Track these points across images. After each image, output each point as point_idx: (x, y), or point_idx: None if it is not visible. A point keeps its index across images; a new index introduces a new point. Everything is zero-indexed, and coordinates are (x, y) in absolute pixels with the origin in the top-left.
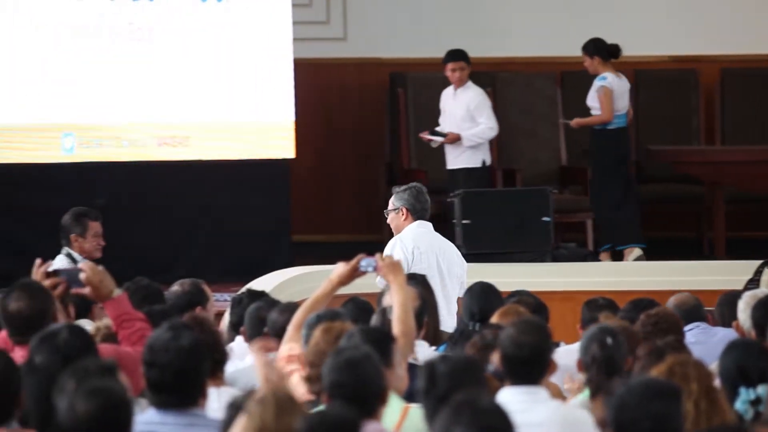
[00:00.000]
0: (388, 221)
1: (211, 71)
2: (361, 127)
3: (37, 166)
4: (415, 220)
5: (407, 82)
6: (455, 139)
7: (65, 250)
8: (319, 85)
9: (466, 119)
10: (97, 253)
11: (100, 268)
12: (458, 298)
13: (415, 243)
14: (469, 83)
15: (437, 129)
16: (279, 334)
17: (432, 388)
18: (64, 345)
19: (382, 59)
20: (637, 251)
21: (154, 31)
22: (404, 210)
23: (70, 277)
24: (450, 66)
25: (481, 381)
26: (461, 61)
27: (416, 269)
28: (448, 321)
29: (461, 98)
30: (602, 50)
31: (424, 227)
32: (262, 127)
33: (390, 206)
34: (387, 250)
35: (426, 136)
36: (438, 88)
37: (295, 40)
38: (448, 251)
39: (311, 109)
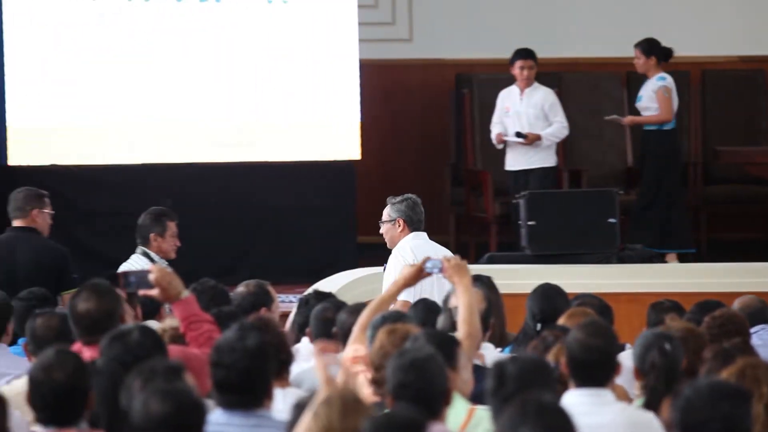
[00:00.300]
0: (381, 232)
1: (277, 72)
2: (426, 128)
3: (103, 168)
4: (411, 231)
5: (473, 83)
6: (536, 139)
7: (140, 249)
8: (385, 86)
9: (539, 118)
10: (172, 253)
11: (169, 269)
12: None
13: (414, 255)
14: (536, 83)
15: (518, 131)
16: (348, 335)
17: (500, 389)
18: (135, 345)
19: (448, 60)
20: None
21: (220, 32)
22: (401, 221)
23: (139, 278)
24: (519, 64)
25: (550, 382)
26: (530, 60)
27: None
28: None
29: (532, 98)
30: (658, 51)
31: (420, 238)
32: (327, 129)
33: (385, 217)
34: (389, 266)
35: (509, 138)
36: (504, 88)
37: (360, 41)
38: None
39: (377, 110)
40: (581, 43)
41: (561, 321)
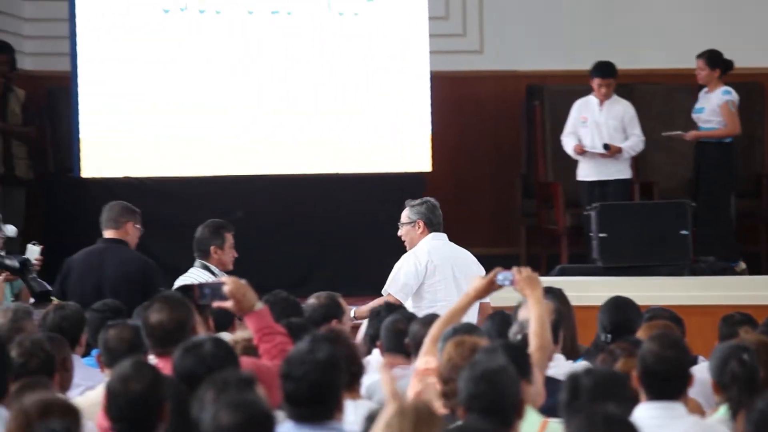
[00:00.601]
0: (400, 234)
1: (348, 84)
2: (497, 140)
3: (176, 180)
4: (431, 232)
5: (544, 95)
6: (617, 152)
7: (199, 262)
8: (456, 98)
9: (618, 130)
10: (230, 265)
11: (243, 281)
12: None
13: (430, 256)
14: (614, 95)
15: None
16: (420, 346)
17: (574, 401)
18: (208, 356)
19: (519, 72)
20: (743, 265)
21: (291, 44)
22: (421, 223)
23: (214, 290)
24: (597, 81)
25: (625, 396)
26: (609, 78)
27: (431, 282)
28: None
29: (612, 110)
30: (722, 63)
31: (440, 239)
32: (398, 140)
33: (405, 219)
34: (398, 264)
35: (591, 149)
36: (574, 100)
37: (431, 52)
38: (464, 259)
39: (447, 121)
40: (654, 54)
41: (639, 334)
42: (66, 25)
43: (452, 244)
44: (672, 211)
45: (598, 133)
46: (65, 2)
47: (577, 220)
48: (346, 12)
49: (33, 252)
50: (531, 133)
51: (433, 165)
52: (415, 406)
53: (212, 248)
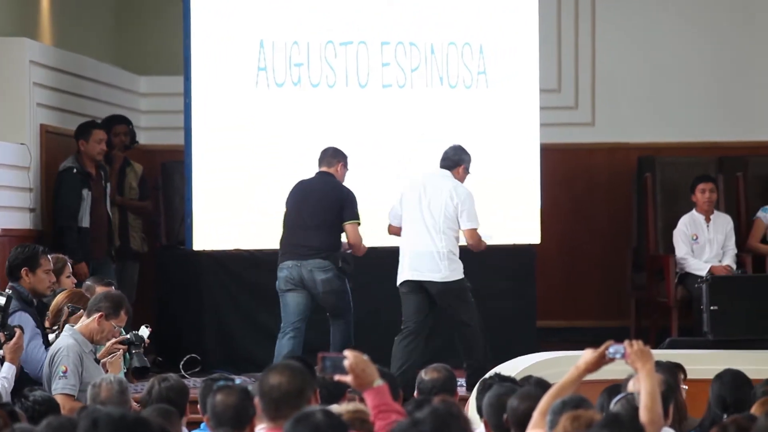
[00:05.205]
0: None
1: None
2: (608, 212)
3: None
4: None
5: (655, 166)
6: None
7: None
8: (566, 170)
9: (722, 242)
10: None
11: (365, 357)
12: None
13: (406, 184)
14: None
15: None
16: (519, 421)
17: None
18: (321, 426)
19: (630, 143)
20: None
21: (402, 118)
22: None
23: (335, 363)
24: (701, 186)
25: None
26: (712, 182)
27: (404, 205)
28: (431, 246)
29: (718, 225)
30: None
31: (430, 171)
32: (507, 213)
33: None
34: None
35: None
36: (685, 172)
37: (542, 125)
38: (437, 186)
39: (557, 194)
40: (766, 126)
41: (753, 409)
42: (181, 100)
43: (435, 174)
44: None
45: (710, 250)
46: (180, 77)
47: (688, 292)
48: (457, 85)
49: (144, 333)
50: (642, 205)
51: (543, 237)
52: None
53: None
